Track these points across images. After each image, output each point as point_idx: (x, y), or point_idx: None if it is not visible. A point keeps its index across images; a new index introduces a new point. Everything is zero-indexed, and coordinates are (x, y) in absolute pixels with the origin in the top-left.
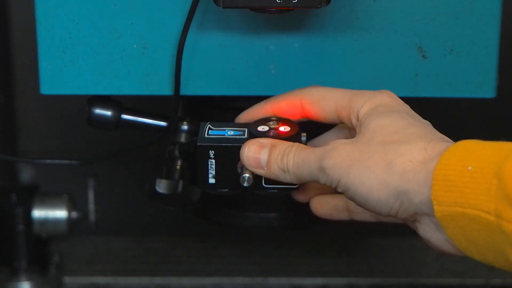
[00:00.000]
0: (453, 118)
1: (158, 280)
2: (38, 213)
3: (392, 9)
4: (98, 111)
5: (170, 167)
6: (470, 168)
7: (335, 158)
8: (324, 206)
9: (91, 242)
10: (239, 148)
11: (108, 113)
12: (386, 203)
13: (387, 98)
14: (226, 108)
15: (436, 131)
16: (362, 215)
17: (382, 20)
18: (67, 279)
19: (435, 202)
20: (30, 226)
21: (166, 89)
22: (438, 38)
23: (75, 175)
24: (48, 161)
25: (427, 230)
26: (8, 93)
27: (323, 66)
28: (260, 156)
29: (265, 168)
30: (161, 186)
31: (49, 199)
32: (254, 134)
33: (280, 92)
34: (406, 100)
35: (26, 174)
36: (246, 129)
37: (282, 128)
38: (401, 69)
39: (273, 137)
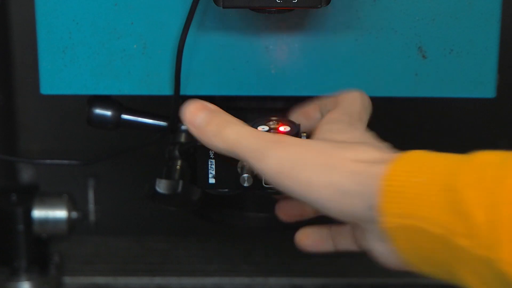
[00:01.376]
0: (453, 118)
1: (158, 280)
2: (38, 213)
3: (392, 9)
4: (98, 111)
5: (170, 167)
6: (419, 179)
7: (281, 151)
8: (309, 238)
9: (91, 242)
10: None
11: (108, 113)
12: (332, 205)
13: (353, 103)
14: (226, 108)
15: (385, 145)
16: (346, 246)
17: (382, 20)
18: (67, 279)
19: (382, 213)
20: (30, 226)
21: (166, 89)
22: (438, 38)
23: (75, 175)
24: (48, 161)
25: (370, 239)
26: (8, 93)
27: (323, 66)
28: (199, 113)
29: (198, 127)
30: (161, 186)
31: (49, 199)
32: None
33: (280, 92)
34: (406, 100)
35: (26, 174)
36: None
37: (282, 128)
38: (401, 69)
39: None
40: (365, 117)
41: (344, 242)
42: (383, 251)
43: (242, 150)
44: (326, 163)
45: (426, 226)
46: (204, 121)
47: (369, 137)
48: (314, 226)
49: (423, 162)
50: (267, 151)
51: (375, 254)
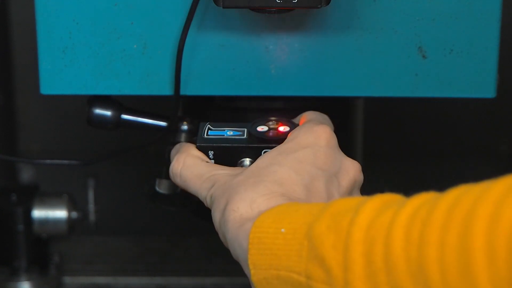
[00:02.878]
0: (453, 118)
1: (158, 280)
2: (38, 213)
3: (392, 9)
4: (98, 111)
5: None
6: (283, 230)
7: (213, 190)
8: None
9: (91, 242)
10: (238, 148)
11: (108, 113)
12: (229, 246)
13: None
14: (226, 108)
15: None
16: None
17: (382, 20)
18: (67, 279)
19: (252, 267)
20: (30, 226)
21: (166, 89)
22: (438, 38)
23: (75, 175)
24: (48, 161)
25: (251, 284)
26: (8, 93)
27: (323, 66)
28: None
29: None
30: (161, 186)
31: (49, 199)
32: (253, 134)
33: (280, 92)
34: (406, 100)
35: (26, 174)
36: (246, 129)
37: (281, 128)
38: (401, 69)
39: (272, 136)
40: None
41: None
42: None
43: (191, 191)
44: (226, 205)
45: (291, 275)
46: (173, 164)
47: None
48: None
49: (286, 213)
50: (202, 193)
51: None
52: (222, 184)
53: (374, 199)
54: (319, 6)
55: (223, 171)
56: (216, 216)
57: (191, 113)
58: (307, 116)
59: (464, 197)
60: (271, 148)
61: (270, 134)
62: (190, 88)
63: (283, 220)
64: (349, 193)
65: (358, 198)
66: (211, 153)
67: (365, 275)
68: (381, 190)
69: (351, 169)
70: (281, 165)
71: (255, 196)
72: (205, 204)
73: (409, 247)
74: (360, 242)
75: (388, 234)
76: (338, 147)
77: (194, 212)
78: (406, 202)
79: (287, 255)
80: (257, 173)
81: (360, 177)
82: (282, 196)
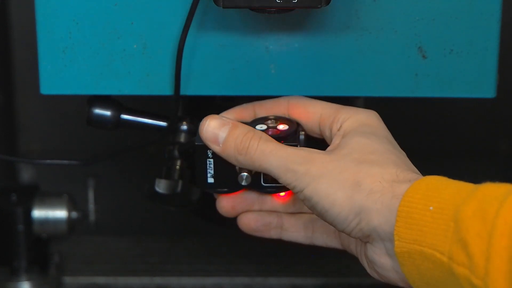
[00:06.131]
0: (453, 118)
1: (158, 280)
2: (38, 213)
3: (392, 9)
4: (98, 111)
5: (169, 167)
6: (431, 208)
7: (310, 166)
8: (258, 222)
9: (91, 242)
10: None
11: (108, 113)
12: (345, 219)
13: (373, 118)
14: (226, 108)
15: (410, 163)
16: (293, 235)
17: (382, 20)
18: (67, 279)
19: (396, 238)
20: (30, 226)
21: (166, 89)
22: (438, 38)
23: (75, 175)
24: (48, 161)
25: (376, 253)
26: (8, 93)
27: (323, 66)
28: (219, 132)
29: (220, 145)
30: (161, 186)
31: (49, 199)
32: None
33: (280, 92)
34: (406, 100)
35: (26, 174)
36: None
37: (280, 127)
38: (401, 69)
39: (271, 135)
40: (388, 135)
41: (293, 234)
42: (386, 266)
43: (268, 167)
44: (351, 179)
45: (434, 253)
46: (225, 139)
47: (395, 153)
48: (263, 211)
49: (436, 190)
50: (294, 167)
51: (377, 266)
52: (325, 162)
53: None
54: (319, 6)
55: (309, 151)
56: (336, 192)
57: (191, 113)
58: (295, 103)
59: None
60: None
61: (269, 133)
62: (190, 88)
63: (431, 197)
64: None
65: (506, 186)
66: (210, 152)
67: (507, 270)
68: None
69: None
70: None
71: (396, 170)
72: (281, 178)
73: None
74: (505, 236)
75: None
76: None
77: (194, 212)
78: None
79: (433, 233)
80: (371, 158)
81: None
82: (416, 173)
